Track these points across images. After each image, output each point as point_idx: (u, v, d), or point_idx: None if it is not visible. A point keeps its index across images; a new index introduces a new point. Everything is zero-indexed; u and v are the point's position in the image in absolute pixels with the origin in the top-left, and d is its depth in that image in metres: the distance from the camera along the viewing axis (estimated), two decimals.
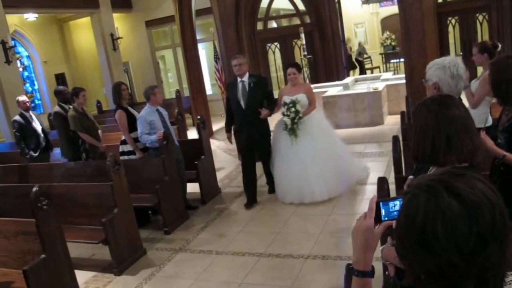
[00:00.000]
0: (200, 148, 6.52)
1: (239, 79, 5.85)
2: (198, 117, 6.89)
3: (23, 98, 7.21)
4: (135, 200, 5.42)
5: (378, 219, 1.30)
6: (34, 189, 3.90)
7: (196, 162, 6.43)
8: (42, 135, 7.22)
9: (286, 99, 5.79)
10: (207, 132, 6.88)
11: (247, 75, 5.84)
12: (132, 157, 6.09)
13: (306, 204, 5.77)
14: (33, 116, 7.21)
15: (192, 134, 10.21)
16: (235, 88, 5.88)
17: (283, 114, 5.79)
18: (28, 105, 7.16)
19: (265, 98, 5.86)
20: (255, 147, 6.03)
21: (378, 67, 17.65)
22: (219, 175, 7.12)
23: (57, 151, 7.36)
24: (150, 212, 6.23)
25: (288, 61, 7.76)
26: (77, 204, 5.08)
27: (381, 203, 1.30)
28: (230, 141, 6.45)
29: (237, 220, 5.70)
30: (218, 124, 11.82)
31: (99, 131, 6.91)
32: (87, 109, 7.05)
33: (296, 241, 4.91)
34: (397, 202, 1.29)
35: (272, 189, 6.30)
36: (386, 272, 2.06)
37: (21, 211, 4.31)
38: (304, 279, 4.12)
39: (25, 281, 3.76)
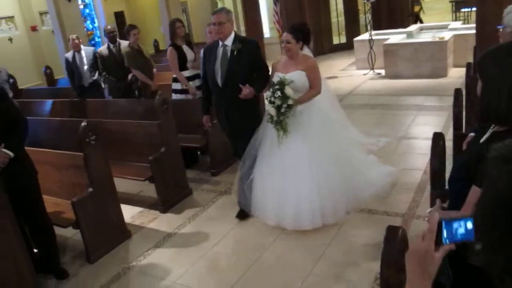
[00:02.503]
0: None
1: (220, 43, 4.20)
2: None
3: (72, 36, 7.29)
4: (184, 140, 5.44)
5: (438, 241, 1.12)
6: (82, 124, 3.96)
7: None
8: (87, 74, 7.26)
9: (276, 77, 4.16)
10: None
11: (231, 37, 4.16)
12: (185, 96, 6.04)
13: None
14: (83, 54, 7.25)
15: None
16: (213, 55, 4.25)
17: (268, 100, 4.08)
18: (76, 43, 7.17)
19: (254, 70, 4.23)
20: (238, 137, 4.46)
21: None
22: None
23: None
24: (199, 152, 6.26)
25: (292, 23, 4.64)
26: (127, 141, 5.16)
27: (443, 223, 1.11)
28: (207, 126, 4.82)
29: None
30: None
31: (154, 70, 6.93)
32: (144, 47, 7.04)
33: None
34: (462, 223, 1.08)
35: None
36: None
37: (75, 145, 4.40)
38: (346, 233, 4.01)
39: (73, 212, 3.90)
